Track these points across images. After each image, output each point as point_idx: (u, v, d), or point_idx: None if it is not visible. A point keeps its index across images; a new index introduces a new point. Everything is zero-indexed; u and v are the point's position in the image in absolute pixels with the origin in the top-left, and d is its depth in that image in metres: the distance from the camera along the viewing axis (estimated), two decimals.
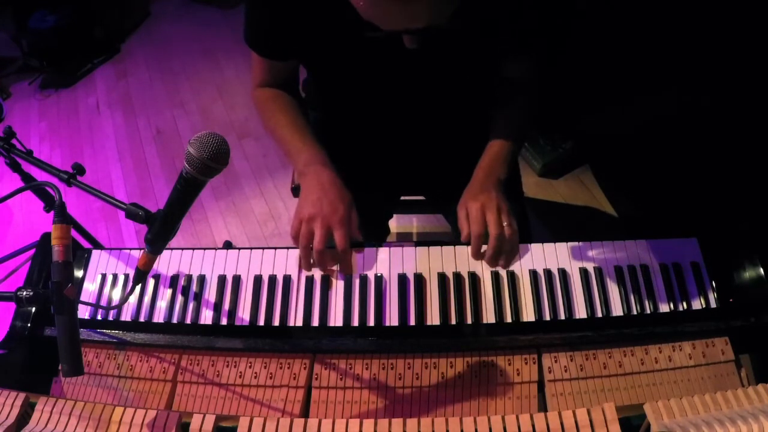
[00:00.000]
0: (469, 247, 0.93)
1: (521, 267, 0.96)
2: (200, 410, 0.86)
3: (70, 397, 0.92)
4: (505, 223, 0.91)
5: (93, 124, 2.92)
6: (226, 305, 0.96)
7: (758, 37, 1.19)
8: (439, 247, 0.99)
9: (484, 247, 0.91)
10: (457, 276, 0.95)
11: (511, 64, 1.04)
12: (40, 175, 1.08)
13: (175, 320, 0.96)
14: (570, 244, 0.98)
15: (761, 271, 0.91)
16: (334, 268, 0.96)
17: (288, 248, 1.01)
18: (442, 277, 0.95)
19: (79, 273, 1.04)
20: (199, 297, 0.97)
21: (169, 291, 0.99)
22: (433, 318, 0.92)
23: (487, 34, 0.93)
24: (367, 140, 1.23)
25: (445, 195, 1.31)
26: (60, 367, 0.95)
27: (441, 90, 1.04)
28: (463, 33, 0.90)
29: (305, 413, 0.86)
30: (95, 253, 1.06)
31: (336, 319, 0.93)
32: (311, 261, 0.91)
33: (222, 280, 0.98)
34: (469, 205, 0.93)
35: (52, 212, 0.72)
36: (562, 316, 0.91)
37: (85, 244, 1.73)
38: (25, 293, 0.72)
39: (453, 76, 1.01)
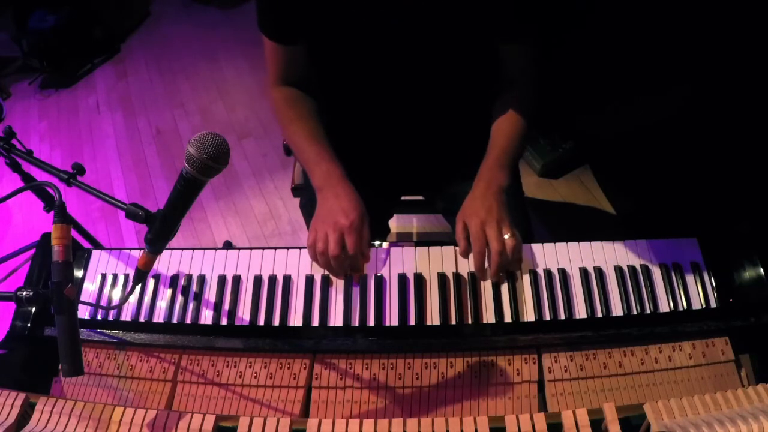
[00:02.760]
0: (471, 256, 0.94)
1: (521, 267, 0.96)
2: (200, 410, 0.86)
3: (70, 397, 0.92)
4: (507, 236, 0.91)
5: (93, 124, 2.92)
6: (226, 305, 0.96)
7: (758, 37, 1.19)
8: (439, 247, 0.99)
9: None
10: (457, 276, 0.95)
11: (506, 50, 1.03)
12: (40, 175, 1.08)
13: (175, 320, 0.96)
14: (570, 244, 0.98)
15: (761, 271, 0.91)
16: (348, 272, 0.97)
17: (288, 248, 1.01)
18: (442, 277, 0.95)
19: (79, 273, 1.04)
20: (199, 297, 0.97)
21: (169, 291, 0.99)
22: (433, 318, 0.92)
23: (476, 5, 0.92)
24: (367, 138, 1.24)
25: (444, 194, 1.31)
26: (60, 367, 0.95)
27: (439, 75, 1.04)
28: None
29: (305, 413, 0.86)
30: (95, 253, 1.06)
31: (336, 319, 0.93)
32: (331, 267, 0.93)
33: (222, 280, 0.98)
34: (469, 221, 0.93)
35: (52, 212, 0.72)
36: (562, 316, 0.91)
37: (85, 244, 1.73)
38: (25, 293, 0.73)
39: (449, 55, 1.00)
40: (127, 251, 1.05)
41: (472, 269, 0.94)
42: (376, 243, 1.02)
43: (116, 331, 0.95)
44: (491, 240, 0.90)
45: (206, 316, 0.96)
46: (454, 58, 1.01)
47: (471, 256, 0.94)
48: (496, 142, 1.05)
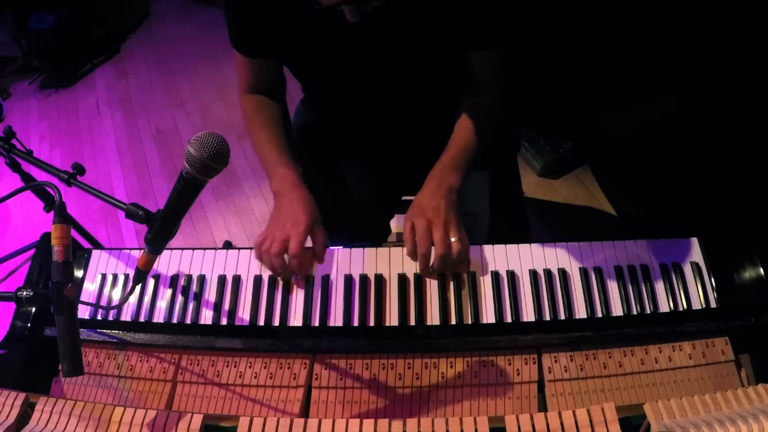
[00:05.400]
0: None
1: (521, 267, 0.96)
2: (200, 410, 0.86)
3: (70, 397, 0.92)
4: (453, 239, 0.91)
5: (93, 124, 2.92)
6: (226, 305, 0.96)
7: (758, 38, 1.19)
8: None
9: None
10: (457, 276, 0.95)
11: (472, 56, 1.02)
12: (40, 175, 1.08)
13: (175, 320, 0.96)
14: (570, 244, 0.98)
15: (761, 271, 0.91)
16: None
17: None
18: (442, 277, 0.95)
19: (79, 273, 1.04)
20: (199, 297, 0.97)
21: (169, 291, 0.99)
22: (433, 318, 0.92)
23: (433, 10, 0.92)
24: (364, 140, 1.24)
25: None
26: (60, 367, 0.95)
27: (423, 76, 1.04)
28: (407, 8, 0.89)
29: (305, 413, 0.86)
30: (95, 253, 1.06)
31: (336, 319, 0.93)
32: (273, 267, 0.94)
33: (222, 280, 0.98)
34: (416, 221, 0.94)
35: (52, 212, 0.72)
36: (562, 316, 0.91)
37: (85, 244, 1.73)
38: (25, 293, 0.73)
39: (428, 57, 1.00)
40: (127, 251, 1.05)
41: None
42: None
43: (116, 331, 0.95)
44: (436, 243, 0.91)
45: (206, 316, 0.95)
46: (435, 63, 1.01)
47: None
48: (454, 142, 1.04)
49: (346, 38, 0.93)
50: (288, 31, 0.97)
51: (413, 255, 0.94)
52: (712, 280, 0.93)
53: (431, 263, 0.92)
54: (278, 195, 1.01)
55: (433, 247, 0.92)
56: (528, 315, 0.91)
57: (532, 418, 0.68)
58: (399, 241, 1.37)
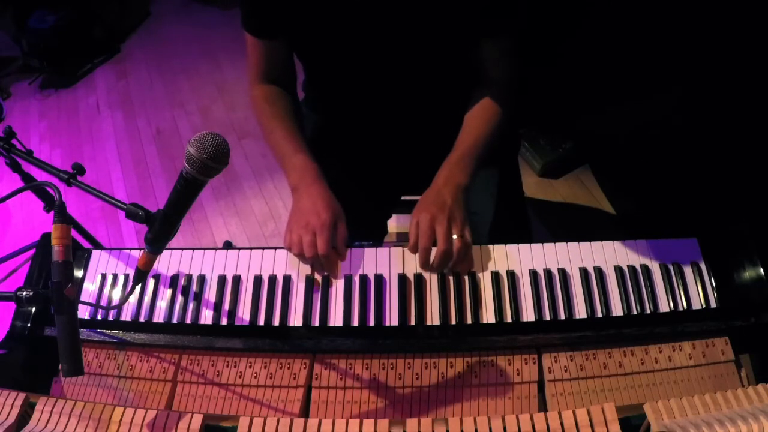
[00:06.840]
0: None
1: (521, 267, 0.96)
2: (200, 410, 0.86)
3: (70, 397, 0.92)
4: (455, 236, 0.91)
5: (93, 124, 2.92)
6: (226, 305, 0.96)
7: (758, 38, 1.19)
8: None
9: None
10: (457, 276, 0.95)
11: (483, 45, 1.02)
12: (40, 175, 1.08)
13: (175, 320, 0.96)
14: (570, 244, 0.98)
15: (761, 271, 0.91)
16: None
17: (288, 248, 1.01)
18: (442, 277, 0.95)
19: (79, 273, 1.04)
20: (199, 297, 0.97)
21: (169, 291, 0.99)
22: (433, 318, 0.92)
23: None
24: (364, 139, 1.24)
25: None
26: (60, 367, 0.95)
27: (429, 70, 1.04)
28: None
29: (305, 413, 0.86)
30: (95, 253, 1.06)
31: (336, 319, 0.93)
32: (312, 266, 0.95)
33: (222, 280, 0.98)
34: (420, 216, 0.94)
35: (52, 212, 0.72)
36: (562, 316, 0.91)
37: (85, 244, 1.73)
38: (25, 293, 0.73)
39: (438, 48, 1.00)
40: (127, 251, 1.05)
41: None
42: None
43: (116, 331, 0.95)
44: (438, 238, 0.91)
45: (206, 316, 0.95)
46: (444, 51, 1.01)
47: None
48: (463, 140, 1.04)
49: (358, 14, 0.93)
50: (301, 7, 0.96)
51: (414, 249, 0.94)
52: (712, 280, 0.93)
53: (432, 259, 0.92)
54: (297, 190, 1.01)
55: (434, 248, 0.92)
56: (528, 315, 0.91)
57: (532, 418, 0.68)
58: (399, 241, 1.37)
